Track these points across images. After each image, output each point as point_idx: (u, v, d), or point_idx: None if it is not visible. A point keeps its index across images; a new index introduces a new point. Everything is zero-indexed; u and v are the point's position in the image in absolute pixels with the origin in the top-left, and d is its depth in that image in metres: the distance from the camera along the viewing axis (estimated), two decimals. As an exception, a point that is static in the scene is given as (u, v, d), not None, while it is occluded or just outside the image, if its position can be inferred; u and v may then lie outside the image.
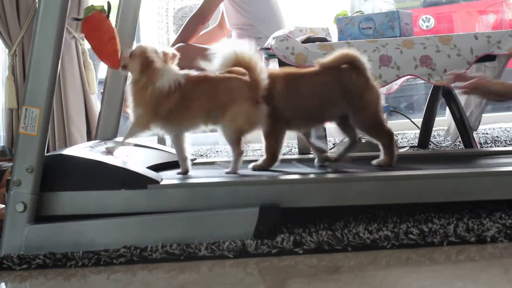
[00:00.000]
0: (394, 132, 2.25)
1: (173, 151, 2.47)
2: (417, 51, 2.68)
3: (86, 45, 3.93)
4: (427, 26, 5.86)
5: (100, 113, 2.52)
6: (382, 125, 2.21)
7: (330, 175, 2.10)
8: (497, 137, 3.90)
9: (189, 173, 2.20)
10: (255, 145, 3.96)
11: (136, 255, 1.80)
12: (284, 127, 2.21)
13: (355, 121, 2.18)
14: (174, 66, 2.16)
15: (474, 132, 3.33)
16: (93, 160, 2.00)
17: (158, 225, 1.91)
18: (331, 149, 3.52)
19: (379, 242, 1.76)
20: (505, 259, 1.60)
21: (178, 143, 2.21)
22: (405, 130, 4.62)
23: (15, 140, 3.45)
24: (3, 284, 1.74)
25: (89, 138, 3.81)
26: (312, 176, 2.14)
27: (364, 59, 2.19)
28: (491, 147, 3.49)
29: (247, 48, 2.06)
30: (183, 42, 3.48)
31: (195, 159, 2.56)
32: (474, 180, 1.98)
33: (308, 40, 2.82)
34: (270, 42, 2.76)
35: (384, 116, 3.29)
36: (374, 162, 2.24)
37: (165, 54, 2.14)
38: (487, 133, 4.12)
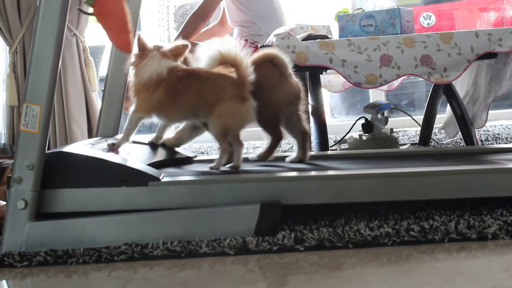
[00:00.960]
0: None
1: (175, 149, 2.48)
2: (417, 50, 2.68)
3: (87, 42, 3.93)
4: (428, 24, 5.86)
5: (101, 110, 2.52)
6: (276, 123, 2.24)
7: (331, 172, 2.10)
8: (498, 134, 3.89)
9: (190, 170, 2.21)
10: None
11: (137, 252, 1.80)
12: None
13: (259, 117, 2.20)
14: (167, 59, 2.18)
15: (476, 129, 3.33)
16: (94, 158, 2.00)
17: (159, 222, 1.91)
18: (331, 146, 3.52)
19: (380, 239, 1.76)
20: (506, 256, 1.60)
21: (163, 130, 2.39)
22: (406, 127, 4.62)
23: (16, 138, 3.45)
24: (4, 281, 1.74)
25: (90, 136, 3.81)
26: (313, 173, 2.14)
27: (284, 57, 2.23)
28: (492, 144, 3.49)
29: (232, 45, 2.09)
30: (184, 40, 3.48)
31: (196, 156, 2.56)
32: (475, 177, 1.98)
33: (309, 38, 2.82)
34: (271, 39, 2.76)
35: (385, 113, 3.30)
36: (288, 159, 2.32)
37: (175, 48, 2.20)
38: (488, 130, 4.12)
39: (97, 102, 3.91)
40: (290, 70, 2.24)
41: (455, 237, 1.73)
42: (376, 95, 4.86)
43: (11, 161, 2.36)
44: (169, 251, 1.79)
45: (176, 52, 2.20)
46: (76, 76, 3.85)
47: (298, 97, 2.26)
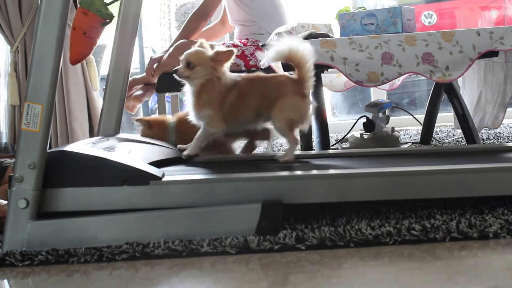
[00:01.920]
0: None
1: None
2: (419, 48, 2.68)
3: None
4: (429, 22, 5.86)
5: (102, 109, 2.52)
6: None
7: (333, 171, 2.10)
8: (500, 133, 3.89)
9: (192, 169, 2.21)
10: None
11: (138, 251, 1.80)
12: None
13: None
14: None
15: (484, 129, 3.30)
16: (95, 157, 2.00)
17: (160, 221, 1.91)
18: (333, 145, 3.52)
19: (382, 238, 1.76)
20: (508, 255, 1.60)
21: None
22: (407, 126, 4.62)
23: (17, 137, 3.45)
24: (5, 280, 1.74)
25: (91, 135, 3.81)
26: (314, 172, 2.14)
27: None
28: (493, 143, 3.48)
29: (300, 45, 2.15)
30: (185, 39, 3.48)
31: (197, 155, 2.55)
32: (476, 176, 1.98)
33: (310, 36, 2.82)
34: (273, 38, 2.76)
35: (386, 112, 3.29)
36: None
37: (220, 53, 2.23)
38: (489, 129, 4.11)
39: (99, 101, 3.92)
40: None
41: (457, 236, 1.73)
42: (378, 94, 4.86)
43: (13, 160, 2.36)
44: (170, 250, 1.79)
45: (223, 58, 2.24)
46: (78, 75, 3.86)
47: None
